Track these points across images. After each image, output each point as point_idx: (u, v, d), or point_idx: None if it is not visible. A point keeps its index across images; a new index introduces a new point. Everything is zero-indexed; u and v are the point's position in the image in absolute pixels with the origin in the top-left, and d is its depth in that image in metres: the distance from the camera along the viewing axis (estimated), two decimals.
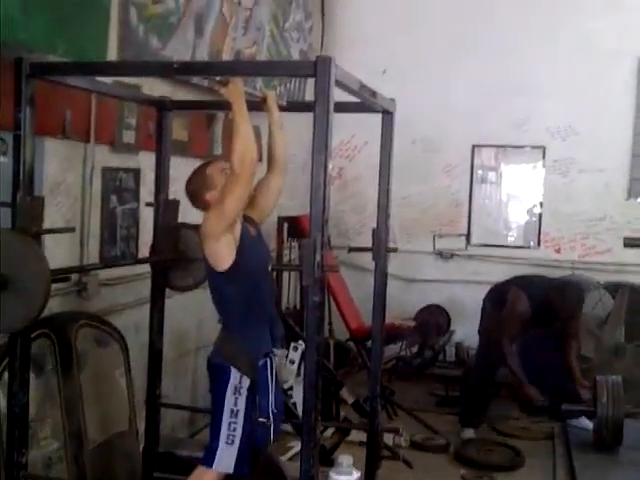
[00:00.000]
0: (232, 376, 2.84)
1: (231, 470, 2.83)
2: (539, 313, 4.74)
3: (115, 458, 3.36)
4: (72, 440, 3.09)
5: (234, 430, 2.82)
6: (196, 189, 2.89)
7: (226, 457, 2.81)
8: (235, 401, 2.83)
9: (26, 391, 2.59)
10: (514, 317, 4.73)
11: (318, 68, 2.19)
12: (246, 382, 2.84)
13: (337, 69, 2.23)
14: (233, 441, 2.81)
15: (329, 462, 3.22)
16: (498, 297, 4.91)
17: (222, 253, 2.76)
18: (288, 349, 4.20)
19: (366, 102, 2.84)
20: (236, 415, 2.83)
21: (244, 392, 2.84)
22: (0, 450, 2.72)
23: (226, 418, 2.82)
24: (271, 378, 2.95)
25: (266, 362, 2.92)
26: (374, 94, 2.78)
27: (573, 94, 6.02)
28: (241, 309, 2.88)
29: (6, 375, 2.65)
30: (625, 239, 3.63)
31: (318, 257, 2.22)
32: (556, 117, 6.12)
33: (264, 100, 2.96)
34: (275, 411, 2.94)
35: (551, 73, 6.02)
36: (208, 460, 2.83)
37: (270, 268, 3.10)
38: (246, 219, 2.89)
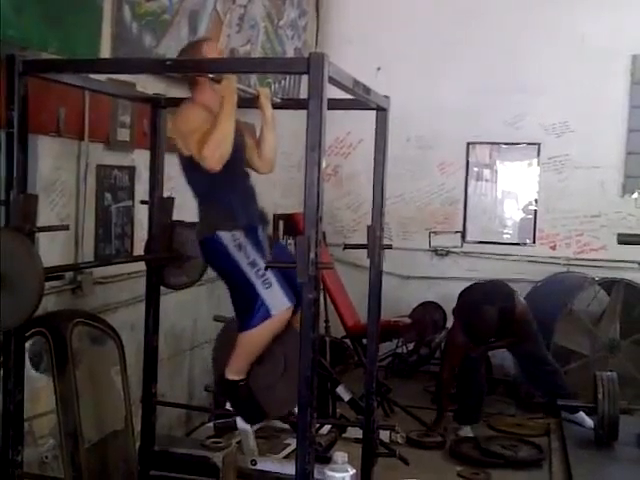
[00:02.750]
0: (224, 239, 2.87)
1: (289, 303, 2.84)
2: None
3: (111, 457, 3.35)
4: (68, 439, 3.08)
5: (263, 275, 2.84)
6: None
7: (276, 298, 2.83)
8: (245, 254, 2.86)
9: (21, 389, 2.58)
10: (453, 349, 4.91)
11: (311, 65, 2.18)
12: (239, 234, 2.88)
13: (330, 66, 2.22)
14: (270, 283, 2.84)
15: (326, 459, 3.22)
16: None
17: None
18: None
19: (360, 99, 2.83)
20: (255, 263, 2.86)
21: (245, 242, 2.87)
22: None
23: (250, 272, 2.85)
24: (263, 240, 2.98)
25: (253, 227, 2.96)
26: (368, 91, 2.78)
27: (567, 91, 6.02)
28: (214, 185, 2.92)
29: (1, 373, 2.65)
30: (619, 235, 3.62)
31: (312, 254, 2.22)
32: (551, 114, 6.12)
33: (257, 97, 2.96)
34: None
35: (545, 70, 6.03)
36: (265, 314, 2.83)
37: (243, 160, 3.12)
38: None
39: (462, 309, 4.96)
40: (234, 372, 3.02)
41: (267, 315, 2.85)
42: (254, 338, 2.91)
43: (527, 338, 4.91)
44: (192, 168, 2.90)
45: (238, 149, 3.00)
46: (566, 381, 5.04)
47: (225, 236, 2.88)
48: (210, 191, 2.96)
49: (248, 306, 2.88)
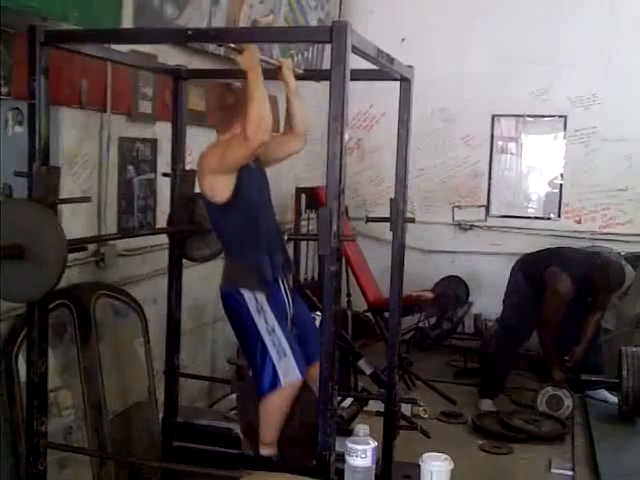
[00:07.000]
0: (247, 298, 2.87)
1: (301, 377, 2.85)
2: (579, 291, 4.65)
3: (134, 428, 3.39)
4: (92, 410, 3.12)
5: (279, 344, 2.85)
6: (232, 109, 2.87)
7: (288, 369, 2.84)
8: (265, 319, 2.86)
9: (45, 360, 2.60)
10: (558, 299, 4.63)
11: (334, 34, 2.15)
12: (262, 298, 2.87)
13: (353, 35, 2.19)
14: (285, 353, 2.85)
15: (347, 432, 3.22)
16: (533, 273, 4.81)
17: (218, 187, 2.81)
18: None
19: (383, 69, 2.79)
20: (273, 331, 2.86)
21: (266, 307, 2.87)
22: (21, 419, 2.76)
23: (267, 338, 2.85)
24: (285, 294, 2.98)
25: (276, 279, 2.95)
26: (391, 60, 2.73)
27: (595, 62, 5.91)
28: (240, 237, 2.91)
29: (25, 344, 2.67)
30: None
31: (334, 227, 2.20)
32: (577, 85, 6.02)
33: (280, 68, 2.93)
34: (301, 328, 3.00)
35: (572, 40, 5.91)
36: (274, 383, 2.84)
37: (270, 199, 3.09)
38: None
39: (579, 259, 4.83)
40: (265, 446, 2.99)
41: (276, 383, 2.84)
42: (270, 408, 2.90)
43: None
44: (219, 212, 2.87)
45: (263, 188, 3.00)
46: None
47: (247, 295, 2.87)
48: (238, 237, 2.92)
49: (259, 367, 2.89)
